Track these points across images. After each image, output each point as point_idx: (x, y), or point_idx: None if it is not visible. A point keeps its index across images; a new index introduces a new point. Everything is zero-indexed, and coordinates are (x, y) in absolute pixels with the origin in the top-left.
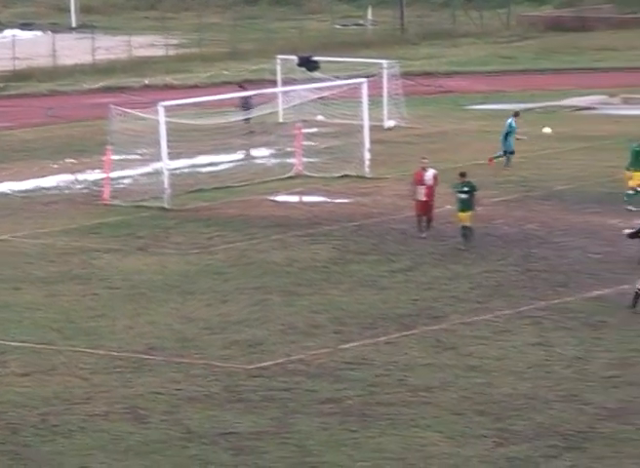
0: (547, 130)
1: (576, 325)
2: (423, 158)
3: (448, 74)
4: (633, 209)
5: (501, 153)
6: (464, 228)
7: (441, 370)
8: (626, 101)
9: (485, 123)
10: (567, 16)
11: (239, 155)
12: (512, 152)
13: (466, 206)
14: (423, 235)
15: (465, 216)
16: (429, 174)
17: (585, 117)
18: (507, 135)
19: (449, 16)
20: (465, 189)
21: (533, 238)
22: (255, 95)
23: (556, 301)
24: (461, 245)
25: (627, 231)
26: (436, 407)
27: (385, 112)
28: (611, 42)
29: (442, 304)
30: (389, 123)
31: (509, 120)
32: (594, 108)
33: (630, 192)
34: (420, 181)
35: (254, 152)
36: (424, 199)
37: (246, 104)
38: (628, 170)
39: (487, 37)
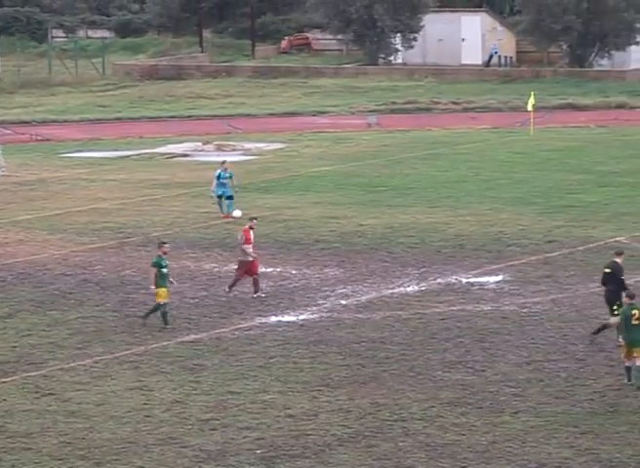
0: (238, 213)
1: (174, 369)
2: (254, 218)
3: (45, 122)
4: None
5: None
6: (164, 305)
7: (41, 416)
8: (220, 148)
9: (82, 170)
10: (163, 64)
11: None
12: (223, 196)
13: (166, 281)
14: (262, 294)
15: (166, 292)
16: (252, 233)
17: (181, 164)
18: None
19: (45, 65)
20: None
21: (130, 284)
22: None
23: (154, 346)
24: (165, 324)
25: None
26: (37, 452)
27: None
28: (205, 90)
29: (41, 351)
30: None
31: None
32: (189, 155)
33: None
34: (249, 241)
35: None
36: (252, 259)
37: None
38: None
39: (83, 86)
